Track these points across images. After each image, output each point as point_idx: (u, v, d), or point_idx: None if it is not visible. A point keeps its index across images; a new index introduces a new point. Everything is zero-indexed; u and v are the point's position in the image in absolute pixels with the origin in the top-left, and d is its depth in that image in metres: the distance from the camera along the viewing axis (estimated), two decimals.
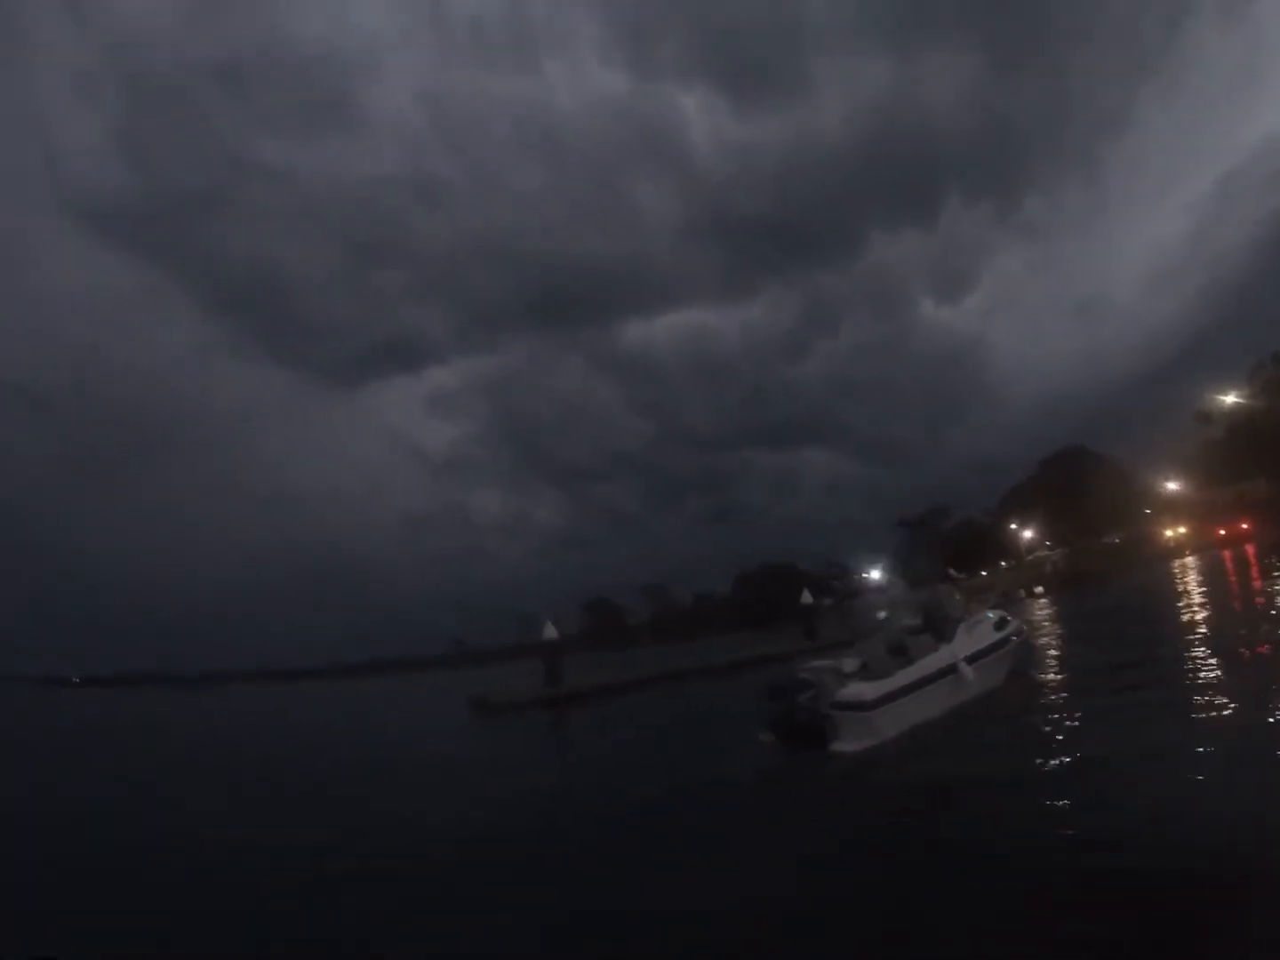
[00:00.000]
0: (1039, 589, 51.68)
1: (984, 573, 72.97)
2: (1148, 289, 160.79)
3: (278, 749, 21.65)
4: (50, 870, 9.09)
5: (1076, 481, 78.15)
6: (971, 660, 12.32)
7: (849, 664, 12.27)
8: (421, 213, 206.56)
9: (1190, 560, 44.06)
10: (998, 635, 13.62)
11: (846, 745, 10.61)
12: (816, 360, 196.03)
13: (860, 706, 10.73)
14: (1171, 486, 66.98)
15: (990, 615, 14.35)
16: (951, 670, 12.01)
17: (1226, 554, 43.35)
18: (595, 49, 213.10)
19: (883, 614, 14.99)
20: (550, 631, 29.15)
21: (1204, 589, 25.41)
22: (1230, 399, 56.35)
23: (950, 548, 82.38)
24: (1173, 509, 64.70)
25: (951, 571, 49.95)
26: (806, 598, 38.57)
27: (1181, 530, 50.82)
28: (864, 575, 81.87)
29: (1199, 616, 17.83)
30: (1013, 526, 78.32)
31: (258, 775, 16.14)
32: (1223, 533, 53.89)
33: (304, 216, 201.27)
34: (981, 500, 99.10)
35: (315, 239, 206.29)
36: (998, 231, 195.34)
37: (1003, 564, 77.03)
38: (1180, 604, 21.69)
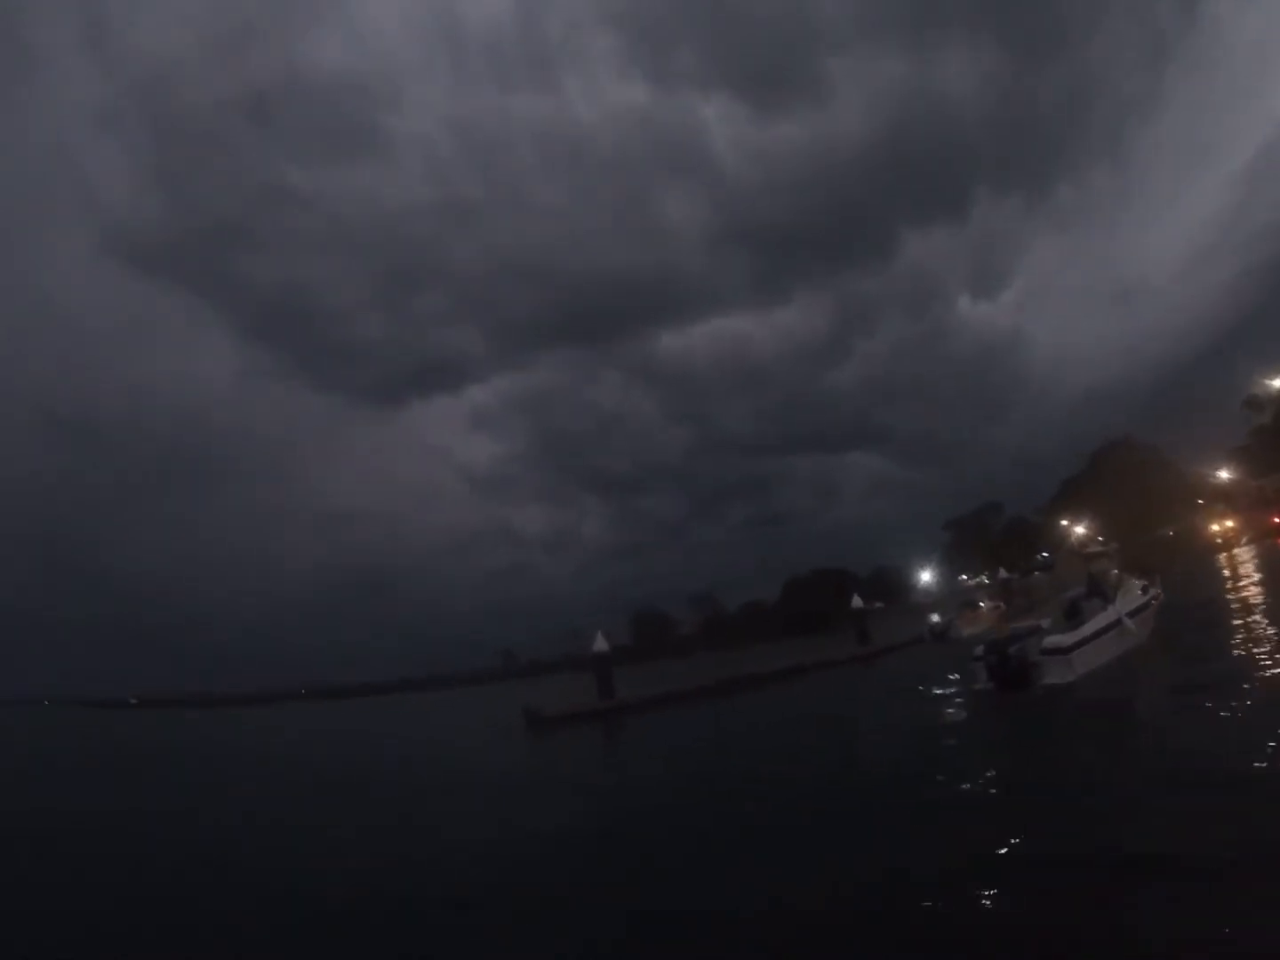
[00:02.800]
0: None
1: (1036, 572, 72.21)
2: (1186, 273, 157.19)
3: (342, 767, 21.96)
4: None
5: (1126, 474, 76.81)
6: (1130, 616, 16.56)
7: (1043, 623, 16.57)
8: (452, 235, 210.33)
9: (1243, 551, 43.26)
10: (1143, 599, 18.05)
11: (1053, 679, 14.52)
12: (854, 362, 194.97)
13: (1061, 651, 14.74)
14: (1222, 475, 65.53)
15: (1136, 584, 18.60)
16: (1117, 624, 16.19)
17: None
18: (611, 63, 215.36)
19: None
20: (601, 643, 29.11)
21: (1263, 581, 25.33)
22: (1279, 383, 55.22)
23: (1000, 546, 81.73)
24: (1224, 499, 63.19)
25: (1003, 572, 50.03)
26: (857, 602, 38.63)
27: (1228, 524, 49.49)
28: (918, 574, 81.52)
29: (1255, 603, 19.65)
30: (1064, 523, 77.36)
31: (326, 794, 16.45)
32: (1278, 521, 52.71)
33: (337, 243, 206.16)
34: (1029, 496, 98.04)
35: (349, 264, 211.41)
36: (1030, 223, 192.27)
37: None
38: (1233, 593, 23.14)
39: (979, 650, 16.31)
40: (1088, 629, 15.42)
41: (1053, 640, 15.09)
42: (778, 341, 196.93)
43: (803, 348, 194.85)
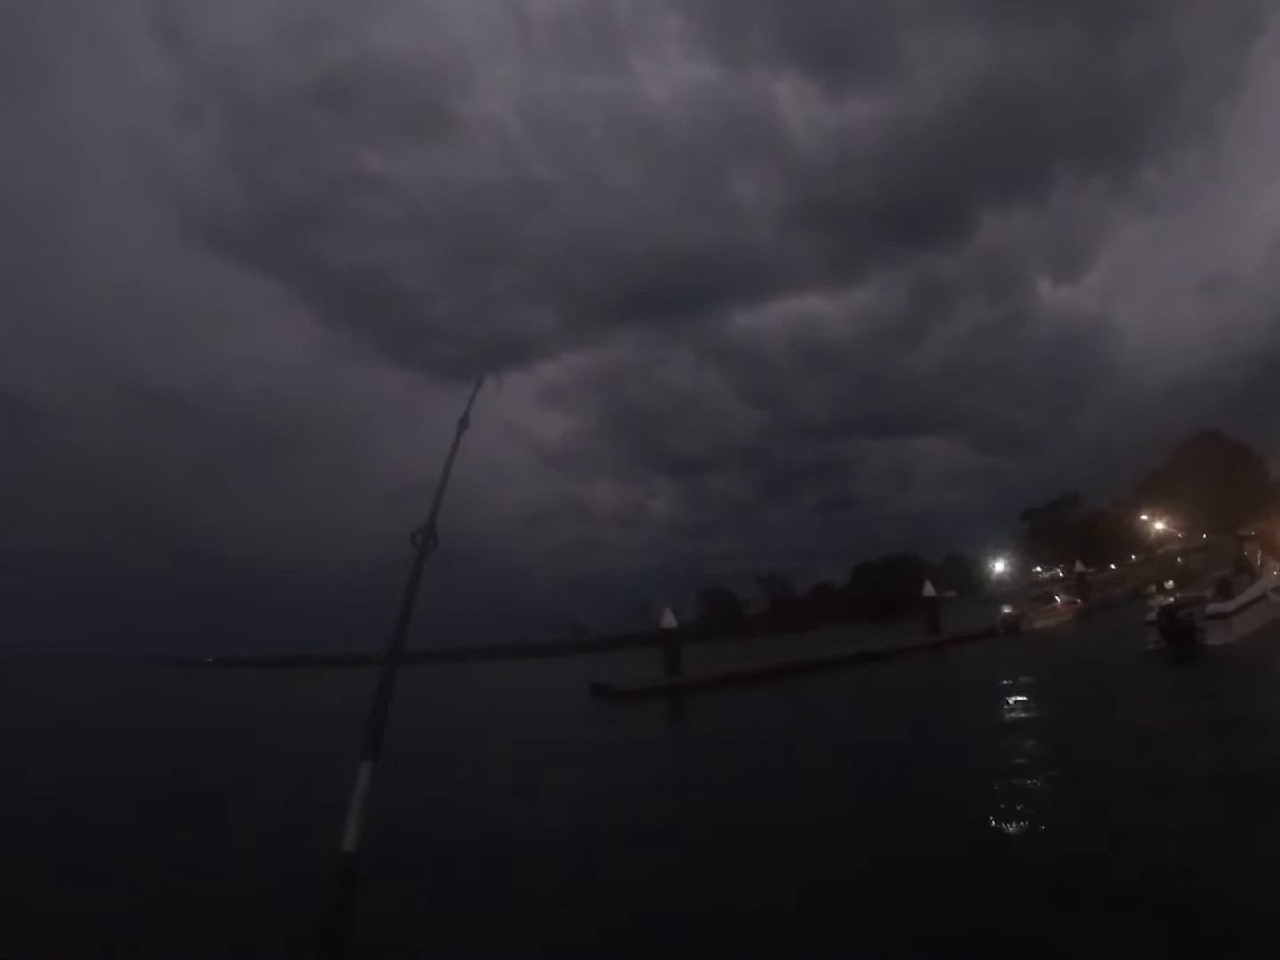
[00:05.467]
0: (1169, 584, 50.48)
1: (1113, 566, 71.07)
2: (1277, 260, 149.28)
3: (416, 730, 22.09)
4: None
5: (1210, 470, 74.64)
6: (1275, 591, 20.60)
7: (1203, 595, 19.75)
8: (525, 214, 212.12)
9: None
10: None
11: (1216, 640, 17.48)
12: (931, 345, 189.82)
13: (1224, 616, 17.96)
14: None
15: (1275, 565, 22.73)
16: (1263, 598, 19.97)
17: None
18: (681, 42, 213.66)
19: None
20: (669, 620, 29.21)
21: None
22: None
23: (1078, 539, 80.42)
24: None
25: (1079, 566, 49.71)
26: (929, 590, 38.24)
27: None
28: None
29: None
30: (1143, 518, 75.84)
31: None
32: None
33: (412, 224, 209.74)
34: (1110, 489, 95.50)
35: (424, 245, 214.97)
36: (1114, 206, 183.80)
37: (1133, 557, 74.76)
38: None
39: (1151, 615, 19.31)
40: (1242, 599, 18.98)
41: (1215, 607, 18.30)
42: (852, 322, 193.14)
43: (878, 329, 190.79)
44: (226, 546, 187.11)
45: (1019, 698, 16.48)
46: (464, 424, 3.53)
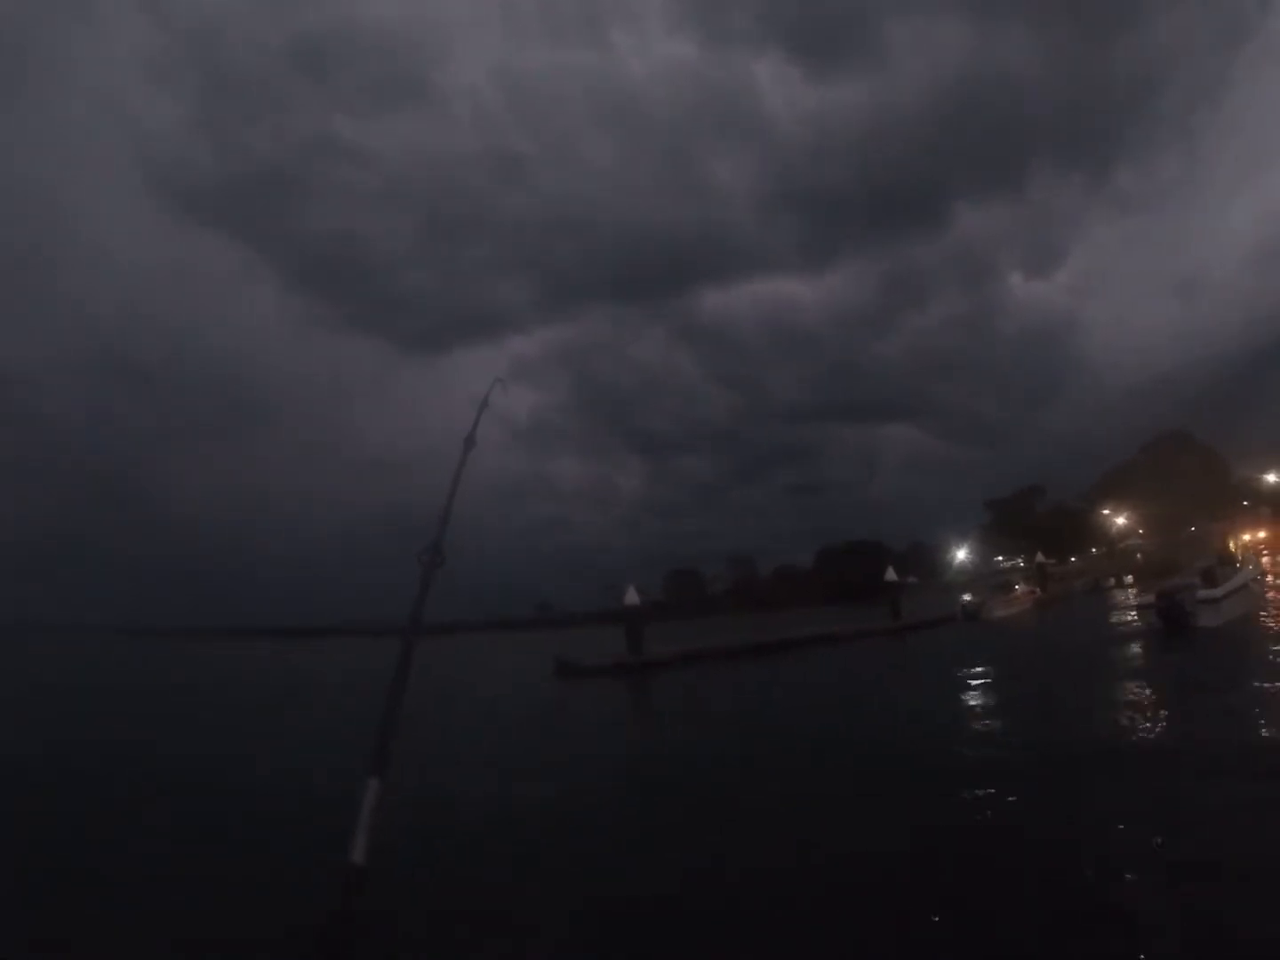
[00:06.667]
0: (1129, 579, 51.19)
1: (1073, 559, 71.97)
2: (1251, 268, 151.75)
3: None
4: None
5: (1174, 468, 75.75)
6: (1255, 580, 23.41)
7: (1192, 583, 21.03)
8: (499, 187, 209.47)
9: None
10: (1254, 572, 24.81)
11: (1206, 622, 19.20)
12: (902, 334, 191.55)
13: (1214, 601, 19.91)
14: (1270, 479, 64.40)
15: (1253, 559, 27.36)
16: (1245, 586, 22.48)
17: None
18: (663, 18, 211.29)
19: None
20: (633, 598, 29.11)
21: None
22: None
23: (1040, 531, 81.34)
24: (1267, 504, 62.05)
25: (1040, 557, 50.21)
26: (891, 575, 38.87)
27: (1260, 534, 48.57)
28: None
29: None
30: (1105, 513, 76.82)
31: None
32: None
33: (384, 193, 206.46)
34: (1074, 483, 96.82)
35: (396, 214, 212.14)
36: (1089, 204, 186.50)
37: (1094, 551, 75.78)
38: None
39: (1149, 599, 21.00)
40: (1227, 587, 21.02)
41: (1205, 593, 20.22)
42: (825, 307, 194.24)
43: (850, 315, 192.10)
44: (186, 515, 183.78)
45: (976, 681, 16.67)
46: (470, 443, 3.51)
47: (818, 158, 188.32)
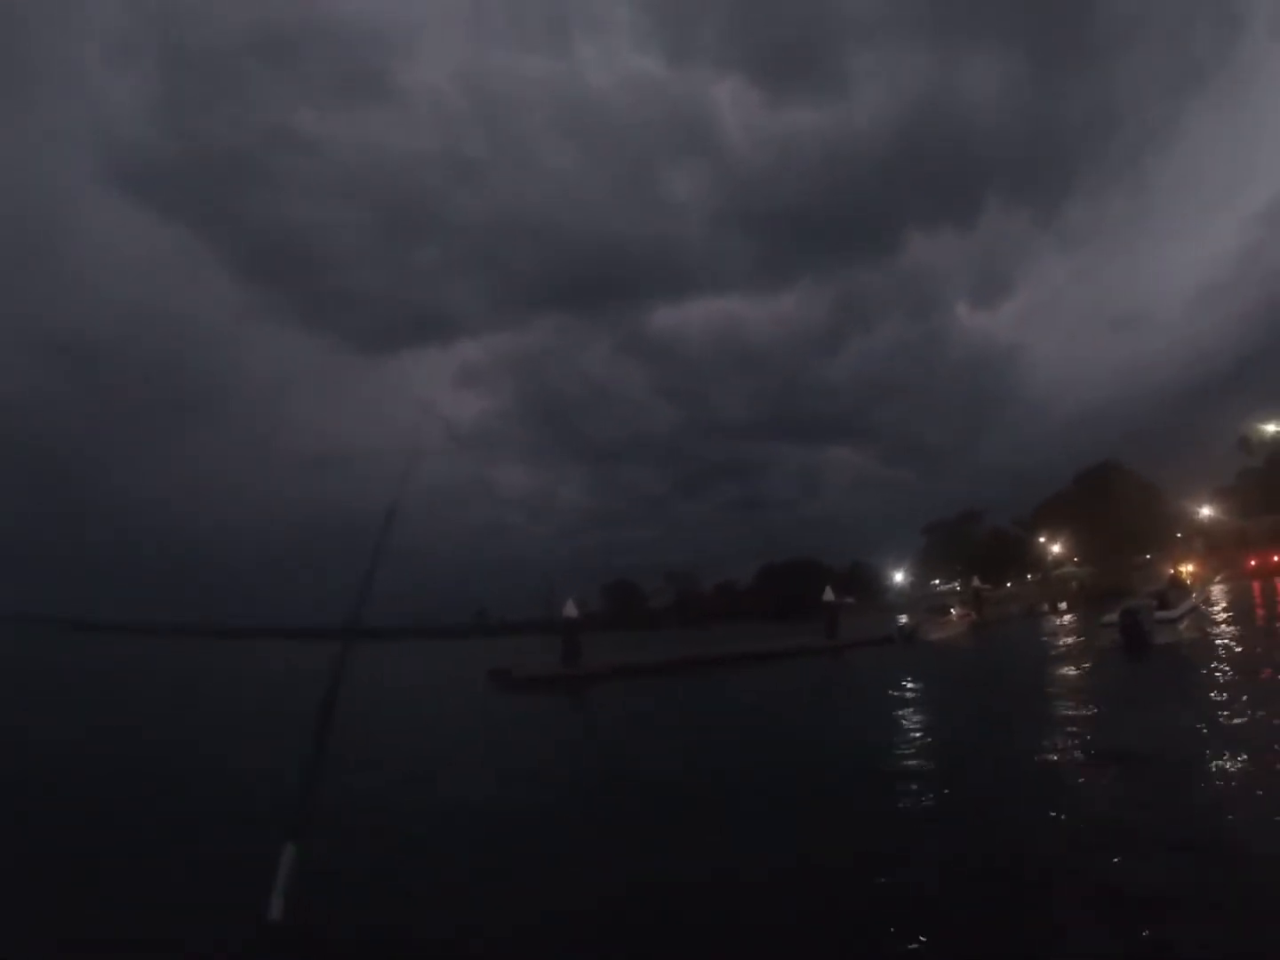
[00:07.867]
0: (1063, 605, 51.80)
1: (1009, 584, 72.87)
2: (1192, 307, 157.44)
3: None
4: None
5: (1109, 498, 77.28)
6: (1204, 604, 25.83)
7: (1148, 604, 22.44)
8: (455, 189, 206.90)
9: (1217, 589, 43.90)
10: (1199, 599, 27.54)
11: (1163, 639, 20.38)
12: (849, 357, 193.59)
13: (1170, 621, 21.54)
14: (1205, 512, 66.06)
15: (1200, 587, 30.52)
16: (1195, 609, 24.53)
17: (1256, 585, 43.34)
18: (628, 32, 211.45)
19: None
20: (570, 609, 29.25)
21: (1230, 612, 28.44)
22: (1273, 428, 55.47)
23: (977, 555, 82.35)
24: (1201, 536, 63.71)
25: (976, 581, 50.51)
26: (829, 595, 38.64)
27: (1189, 567, 49.89)
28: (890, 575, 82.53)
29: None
30: (1042, 539, 78.04)
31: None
32: (1254, 563, 53.50)
33: (340, 188, 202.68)
34: (1011, 509, 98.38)
35: (350, 209, 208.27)
36: (1038, 238, 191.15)
37: (1029, 576, 76.85)
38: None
39: (1112, 618, 21.71)
40: (1181, 609, 23.01)
41: (1163, 614, 21.76)
42: (773, 327, 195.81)
43: (798, 336, 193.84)
44: (125, 504, 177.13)
45: (905, 697, 16.86)
46: (391, 514, 3.10)
47: (773, 180, 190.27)
